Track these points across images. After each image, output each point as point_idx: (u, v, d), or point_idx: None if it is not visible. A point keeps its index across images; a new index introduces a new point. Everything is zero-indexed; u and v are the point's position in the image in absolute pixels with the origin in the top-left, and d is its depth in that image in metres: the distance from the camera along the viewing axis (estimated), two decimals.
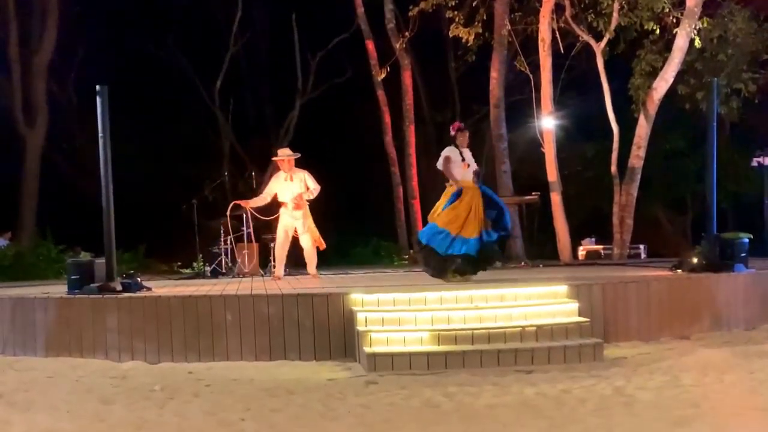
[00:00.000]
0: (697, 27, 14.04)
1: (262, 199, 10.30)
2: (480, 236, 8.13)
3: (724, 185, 17.89)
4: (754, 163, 15.95)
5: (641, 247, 16.76)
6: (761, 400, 4.96)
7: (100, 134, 7.90)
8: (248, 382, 6.03)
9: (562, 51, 15.98)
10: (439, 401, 5.15)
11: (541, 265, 12.38)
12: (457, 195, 8.29)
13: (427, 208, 21.14)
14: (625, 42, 15.57)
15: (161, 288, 8.48)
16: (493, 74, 15.83)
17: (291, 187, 10.10)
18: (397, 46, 18.41)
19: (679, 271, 8.84)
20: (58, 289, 8.28)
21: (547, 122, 15.19)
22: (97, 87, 7.91)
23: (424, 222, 20.22)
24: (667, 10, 14.56)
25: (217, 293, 7.52)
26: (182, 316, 7.22)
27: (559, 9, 15.21)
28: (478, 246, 8.12)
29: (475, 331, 6.67)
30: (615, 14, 14.60)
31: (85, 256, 8.23)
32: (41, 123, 18.51)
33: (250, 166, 20.61)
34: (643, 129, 14.71)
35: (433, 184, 22.28)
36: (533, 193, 12.89)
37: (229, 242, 12.31)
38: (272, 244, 12.12)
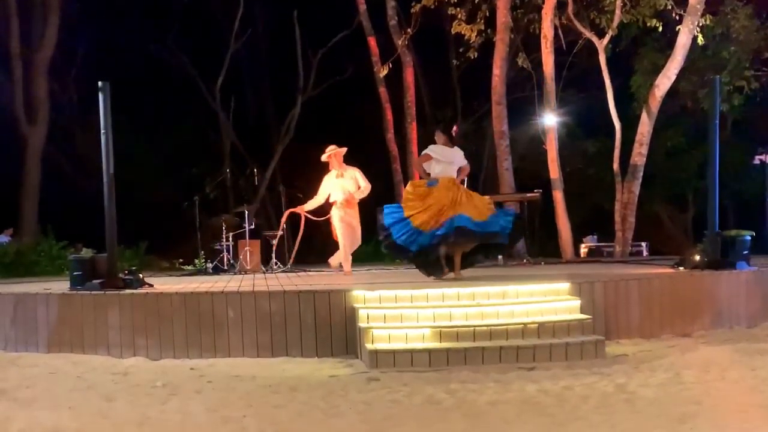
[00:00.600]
0: (700, 24, 14.03)
1: (317, 201, 10.16)
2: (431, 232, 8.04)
3: (726, 183, 17.85)
4: (756, 161, 15.96)
5: (643, 244, 16.75)
6: (763, 397, 4.97)
7: (102, 131, 7.89)
8: (250, 379, 6.03)
9: (565, 48, 15.98)
10: (441, 398, 5.15)
11: (542, 263, 12.39)
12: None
13: None
14: (628, 39, 15.55)
15: (163, 285, 8.48)
16: (495, 71, 15.80)
17: (343, 184, 10.02)
18: (399, 43, 18.39)
19: (680, 268, 8.84)
20: (60, 286, 8.29)
21: (549, 119, 15.18)
22: (99, 83, 7.91)
23: None
24: (669, 7, 14.55)
25: (219, 290, 7.52)
26: (184, 312, 7.22)
27: (561, 6, 15.20)
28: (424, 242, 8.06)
29: (477, 328, 6.67)
30: (617, 11, 14.59)
31: (86, 253, 8.21)
32: (42, 120, 18.51)
33: (251, 164, 20.65)
34: (645, 126, 14.70)
35: None
36: (535, 191, 12.89)
37: (231, 239, 12.33)
38: (273, 241, 12.14)
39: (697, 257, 8.85)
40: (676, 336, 7.58)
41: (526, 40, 16.63)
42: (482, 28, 16.25)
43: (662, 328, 7.67)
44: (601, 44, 14.96)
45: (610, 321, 7.46)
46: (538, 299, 7.32)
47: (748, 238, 8.71)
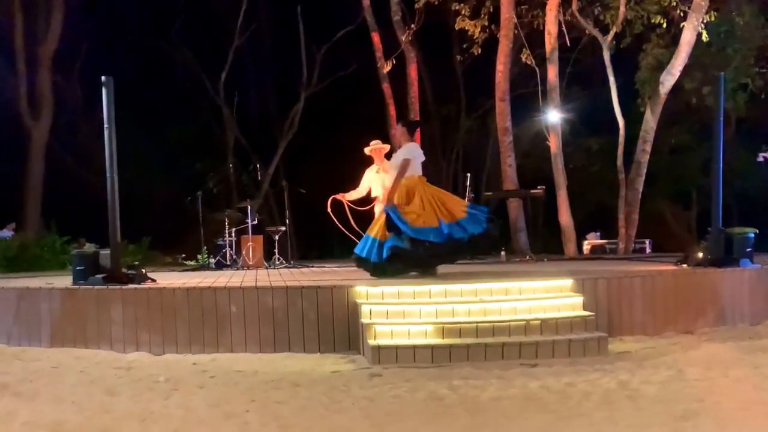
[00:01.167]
0: (705, 21, 13.99)
1: (358, 192, 10.05)
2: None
3: (730, 180, 17.83)
4: (760, 158, 15.90)
5: (646, 241, 16.72)
6: (765, 395, 4.96)
7: (105, 125, 7.89)
8: (253, 374, 6.03)
9: (569, 44, 15.94)
10: (444, 394, 5.15)
11: (545, 259, 12.37)
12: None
13: None
14: (632, 36, 15.52)
15: (166, 280, 8.49)
16: (499, 67, 15.79)
17: (383, 179, 10.01)
18: (403, 38, 18.37)
19: (684, 265, 8.82)
20: (63, 281, 8.30)
21: (553, 116, 15.15)
22: (103, 78, 7.90)
23: None
24: (674, 3, 14.53)
25: (222, 285, 7.52)
26: (187, 307, 7.23)
27: (565, 2, 15.19)
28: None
29: (479, 325, 6.67)
30: (622, 8, 14.56)
31: (89, 248, 8.22)
32: (46, 115, 18.54)
33: (255, 159, 20.67)
34: (649, 123, 14.68)
35: (438, 177, 22.34)
36: (538, 187, 12.86)
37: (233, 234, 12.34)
38: (276, 237, 12.14)
39: (701, 254, 8.83)
40: (679, 333, 7.57)
41: (530, 37, 16.59)
42: (486, 24, 16.24)
43: (665, 326, 7.66)
44: (606, 41, 14.93)
45: (613, 318, 7.45)
46: (540, 296, 7.31)
47: (752, 235, 8.69)
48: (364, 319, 6.81)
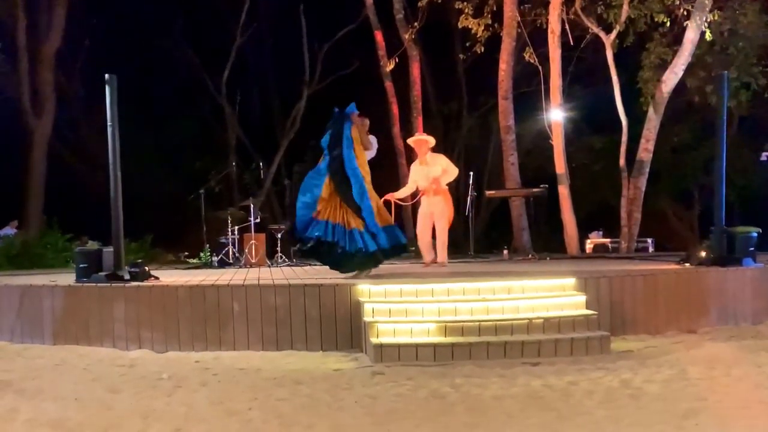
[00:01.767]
0: (708, 20, 13.96)
1: (408, 189, 10.18)
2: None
3: (732, 179, 17.82)
4: (763, 157, 15.88)
5: (649, 240, 16.70)
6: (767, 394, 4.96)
7: (108, 123, 7.91)
8: (255, 372, 6.04)
9: (572, 43, 15.91)
10: (446, 392, 5.15)
11: (548, 258, 12.36)
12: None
13: None
14: (635, 34, 15.48)
15: (168, 278, 8.49)
16: (502, 66, 15.77)
17: (427, 173, 10.00)
18: (406, 37, 18.37)
19: (686, 264, 8.82)
20: (66, 278, 8.30)
21: (556, 114, 15.14)
22: (106, 76, 7.91)
23: None
24: (677, 2, 14.49)
25: (224, 283, 7.53)
26: (189, 305, 7.24)
27: (568, 0, 15.15)
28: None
29: (482, 323, 6.67)
30: (625, 6, 14.53)
31: (92, 246, 8.23)
32: (48, 113, 18.55)
33: (257, 158, 20.66)
34: (652, 122, 14.65)
35: None
36: (541, 186, 12.86)
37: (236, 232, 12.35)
38: (279, 235, 12.15)
39: (703, 253, 8.83)
40: (681, 332, 7.57)
41: (533, 35, 16.57)
42: (489, 22, 16.20)
43: (668, 325, 7.66)
44: (609, 39, 14.90)
45: (616, 317, 7.45)
46: (543, 294, 7.32)
47: (755, 234, 8.68)
48: (367, 318, 6.81)
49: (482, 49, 16.72)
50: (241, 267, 11.52)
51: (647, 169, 14.80)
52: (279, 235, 12.18)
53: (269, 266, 11.68)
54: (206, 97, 23.03)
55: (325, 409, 4.79)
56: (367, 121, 8.62)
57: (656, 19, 14.84)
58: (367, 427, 4.40)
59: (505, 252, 13.26)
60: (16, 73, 18.25)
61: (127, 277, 7.80)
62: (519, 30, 16.01)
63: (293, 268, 11.11)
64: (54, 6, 18.51)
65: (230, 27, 22.32)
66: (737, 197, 19.98)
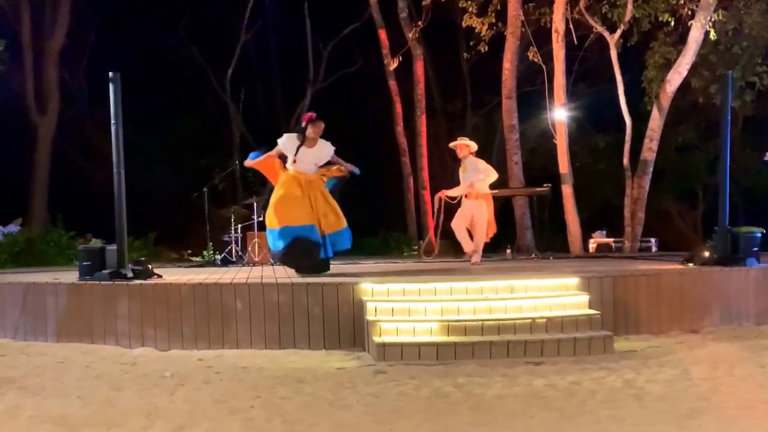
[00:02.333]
0: (712, 19, 13.94)
1: (460, 189, 10.20)
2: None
3: (737, 179, 17.79)
4: (766, 157, 15.86)
5: (652, 240, 16.69)
6: None
7: (112, 121, 7.91)
8: (258, 370, 6.04)
9: (576, 42, 15.90)
10: (448, 391, 5.15)
11: (551, 257, 12.35)
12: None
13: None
14: (639, 34, 15.46)
15: (172, 276, 8.50)
16: (506, 65, 15.76)
17: (464, 177, 10.05)
18: (410, 35, 18.36)
19: (690, 264, 8.80)
20: (69, 276, 8.31)
21: (560, 114, 15.12)
22: (110, 74, 7.91)
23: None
24: (682, 1, 14.47)
25: (228, 281, 7.53)
26: (192, 303, 7.24)
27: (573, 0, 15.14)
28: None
29: (484, 322, 6.67)
30: (629, 5, 14.52)
31: (95, 243, 8.24)
32: (53, 110, 18.58)
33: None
34: (656, 122, 14.63)
35: (443, 174, 22.30)
36: (544, 185, 12.84)
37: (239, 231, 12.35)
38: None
39: (707, 253, 8.83)
40: (684, 332, 7.56)
41: (537, 34, 16.55)
42: (493, 21, 16.20)
43: (671, 325, 7.65)
44: (613, 39, 14.89)
45: (619, 317, 7.44)
46: (546, 294, 7.31)
47: (759, 235, 8.68)
48: (369, 316, 6.81)
49: (486, 48, 16.72)
50: (244, 265, 11.52)
51: (651, 169, 14.78)
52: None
53: (272, 264, 11.68)
54: (210, 94, 23.05)
55: (327, 408, 4.80)
56: (321, 125, 8.63)
57: (660, 19, 14.82)
58: (370, 426, 4.40)
59: (508, 251, 13.24)
60: (20, 71, 18.27)
61: (130, 275, 7.80)
62: (523, 29, 15.98)
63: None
64: (58, 3, 18.53)
65: (235, 25, 22.34)
66: (741, 197, 19.98)
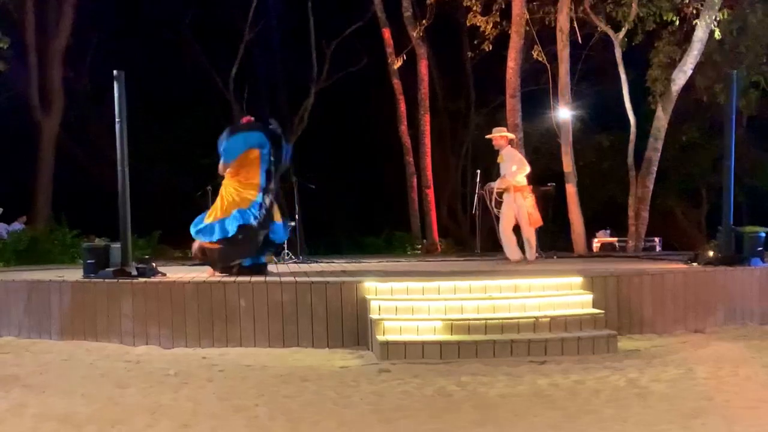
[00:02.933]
0: (717, 18, 13.91)
1: (499, 181, 10.14)
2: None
3: (741, 178, 17.75)
4: None
5: (656, 239, 16.67)
6: None
7: (116, 119, 7.93)
8: (261, 369, 6.05)
9: (580, 41, 15.87)
10: (452, 390, 5.16)
11: (555, 257, 12.32)
12: None
13: (440, 198, 21.07)
14: (644, 33, 15.43)
15: (176, 274, 8.52)
16: (510, 64, 15.73)
17: (502, 168, 9.97)
18: (414, 34, 18.35)
19: (694, 264, 8.80)
20: (74, 274, 8.32)
21: (564, 113, 15.10)
22: (114, 72, 7.93)
23: (439, 211, 20.15)
24: (686, 1, 14.44)
25: (231, 280, 7.54)
26: (196, 301, 7.26)
27: None
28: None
29: (488, 321, 6.67)
30: (634, 4, 14.49)
31: (100, 242, 8.25)
32: (57, 109, 18.58)
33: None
34: (660, 121, 14.61)
35: (447, 173, 22.32)
36: (548, 184, 12.82)
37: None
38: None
39: (711, 253, 8.82)
40: (688, 332, 7.56)
41: (542, 33, 16.54)
42: (497, 20, 16.19)
43: (675, 324, 7.65)
44: (617, 38, 14.87)
45: (623, 316, 7.44)
46: (550, 293, 7.31)
47: (763, 234, 8.66)
48: (373, 315, 6.82)
49: (490, 47, 16.71)
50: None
51: (655, 168, 14.76)
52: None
53: (276, 263, 11.68)
54: (214, 93, 23.04)
55: (331, 406, 4.80)
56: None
57: (665, 18, 14.80)
58: (373, 425, 4.40)
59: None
60: (24, 69, 18.29)
61: (134, 273, 7.81)
62: (527, 28, 15.97)
63: (300, 264, 11.11)
64: (63, 2, 18.54)
65: (238, 23, 22.33)
66: (745, 197, 19.92)
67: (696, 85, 15.71)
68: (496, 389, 5.16)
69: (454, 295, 7.19)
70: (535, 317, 6.77)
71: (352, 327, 7.12)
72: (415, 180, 19.51)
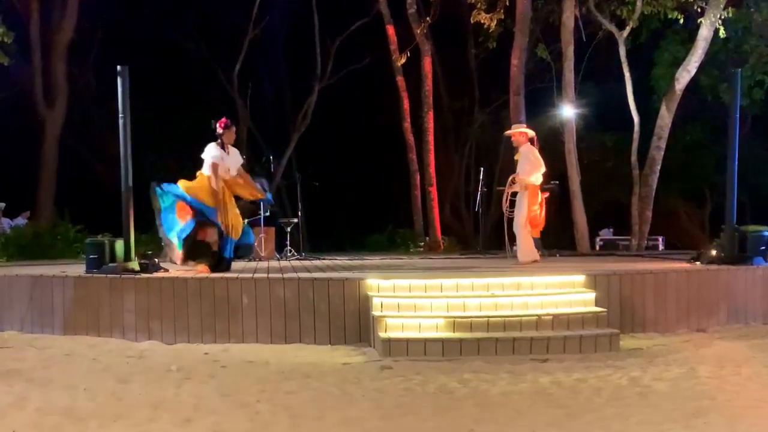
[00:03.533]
0: (722, 17, 13.89)
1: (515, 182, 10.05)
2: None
3: (744, 178, 17.72)
4: None
5: (659, 238, 16.65)
6: None
7: (120, 115, 7.94)
8: (264, 365, 6.06)
9: (584, 39, 15.86)
10: (454, 387, 5.16)
11: (558, 255, 12.33)
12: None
13: (443, 195, 21.02)
14: (648, 31, 15.42)
15: (178, 270, 8.52)
16: (514, 62, 15.73)
17: (518, 166, 9.92)
18: (418, 31, 18.33)
19: (697, 263, 8.79)
20: (77, 269, 8.34)
21: (567, 111, 15.09)
22: (118, 67, 7.94)
23: (441, 209, 20.10)
24: None
25: (234, 276, 7.55)
26: (199, 297, 7.27)
27: None
28: None
29: (490, 319, 6.67)
30: (638, 3, 14.47)
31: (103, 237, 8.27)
32: (60, 104, 18.59)
33: (268, 151, 20.67)
34: (664, 120, 14.60)
35: (450, 171, 22.29)
36: (551, 183, 12.81)
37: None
38: (288, 229, 12.15)
39: (714, 252, 8.80)
40: (691, 331, 7.56)
41: (546, 31, 16.52)
42: (502, 17, 16.17)
43: (677, 323, 7.64)
44: (622, 36, 14.85)
45: (625, 315, 7.43)
46: (552, 291, 7.31)
47: (766, 233, 8.65)
48: (375, 312, 6.82)
49: (494, 45, 16.69)
50: (250, 260, 11.52)
51: (659, 167, 14.75)
52: (288, 229, 12.19)
53: (278, 260, 11.70)
54: (218, 89, 23.04)
55: (333, 403, 4.80)
56: (234, 129, 8.80)
57: (670, 17, 14.78)
58: (375, 421, 4.40)
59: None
60: (28, 64, 18.31)
61: (137, 268, 7.83)
62: (532, 26, 15.95)
63: (302, 261, 11.12)
64: None
65: (242, 20, 22.32)
66: (749, 196, 19.89)
67: (700, 85, 15.70)
68: (498, 387, 5.16)
69: (457, 293, 7.19)
70: (537, 315, 6.77)
71: (355, 324, 7.12)
72: (418, 177, 19.49)
